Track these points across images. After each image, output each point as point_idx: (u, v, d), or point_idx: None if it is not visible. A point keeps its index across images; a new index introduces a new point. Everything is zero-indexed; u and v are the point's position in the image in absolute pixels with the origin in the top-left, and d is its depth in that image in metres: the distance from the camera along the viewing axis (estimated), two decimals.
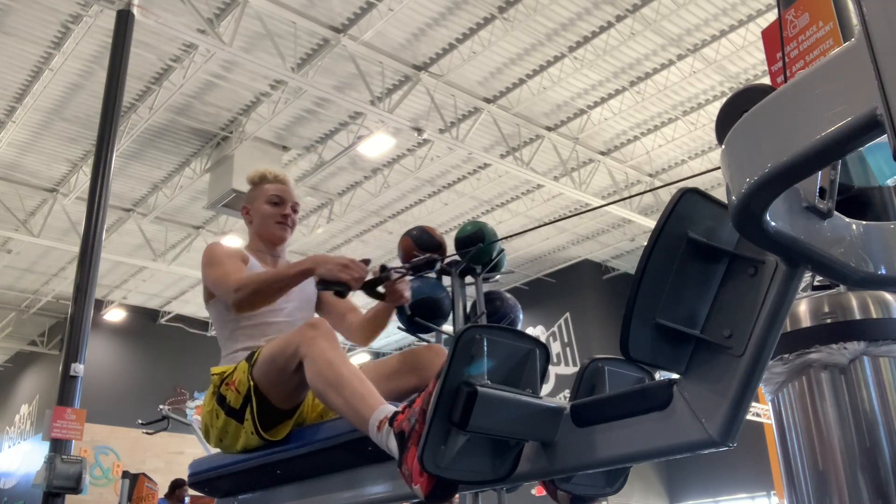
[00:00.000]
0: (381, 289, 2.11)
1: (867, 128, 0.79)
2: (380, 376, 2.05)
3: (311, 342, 1.81)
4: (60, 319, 14.27)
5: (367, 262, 2.04)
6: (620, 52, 8.67)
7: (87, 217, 6.27)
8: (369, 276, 2.05)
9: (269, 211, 2.44)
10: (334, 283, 1.97)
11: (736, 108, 1.13)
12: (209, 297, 2.32)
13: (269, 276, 2.13)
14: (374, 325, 2.33)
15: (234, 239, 12.00)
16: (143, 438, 12.00)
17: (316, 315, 2.39)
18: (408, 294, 2.19)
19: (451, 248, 3.71)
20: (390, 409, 1.60)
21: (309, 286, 2.25)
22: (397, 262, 3.69)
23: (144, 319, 14.82)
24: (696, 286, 1.24)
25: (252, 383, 1.96)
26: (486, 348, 1.40)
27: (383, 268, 2.10)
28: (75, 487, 5.52)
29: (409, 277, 2.19)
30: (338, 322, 2.38)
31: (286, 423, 1.99)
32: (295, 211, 2.48)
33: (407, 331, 3.70)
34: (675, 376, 1.30)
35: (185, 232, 12.04)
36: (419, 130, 9.00)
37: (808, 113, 0.85)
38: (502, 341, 1.44)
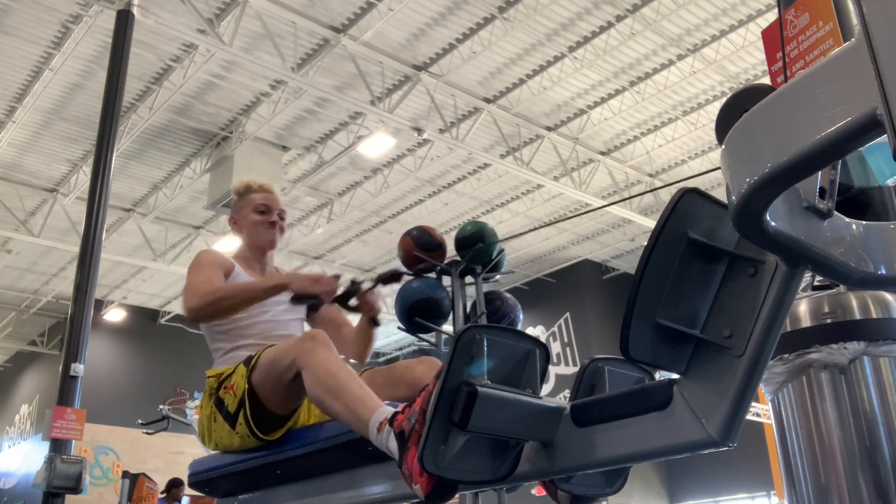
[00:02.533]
0: (353, 301, 2.27)
1: (867, 128, 0.79)
2: (371, 385, 2.07)
3: (309, 353, 1.83)
4: (60, 319, 14.27)
5: (337, 277, 2.17)
6: (620, 52, 8.67)
7: (87, 217, 6.27)
8: (340, 290, 2.19)
9: (257, 219, 2.48)
10: (307, 297, 2.10)
11: (736, 108, 1.13)
12: None
13: (237, 288, 2.19)
14: (363, 338, 2.43)
15: (235, 239, 11.99)
16: (143, 438, 12.00)
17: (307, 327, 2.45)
18: (379, 305, 2.36)
19: (451, 247, 3.71)
20: (389, 410, 1.60)
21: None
22: (398, 263, 3.69)
23: (144, 319, 14.82)
24: (696, 286, 1.24)
25: (248, 387, 1.98)
26: (486, 348, 1.40)
27: (353, 282, 2.26)
28: (75, 487, 5.51)
29: (379, 288, 2.32)
30: (334, 335, 2.43)
31: (283, 426, 2.00)
32: (282, 218, 2.53)
33: (407, 331, 3.70)
34: (675, 376, 1.30)
35: (185, 232, 12.04)
36: (419, 130, 9.00)
37: (808, 113, 0.85)
38: (502, 341, 1.44)
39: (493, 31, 8.24)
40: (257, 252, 2.49)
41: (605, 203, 8.46)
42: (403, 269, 3.30)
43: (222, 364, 2.22)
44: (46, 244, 11.19)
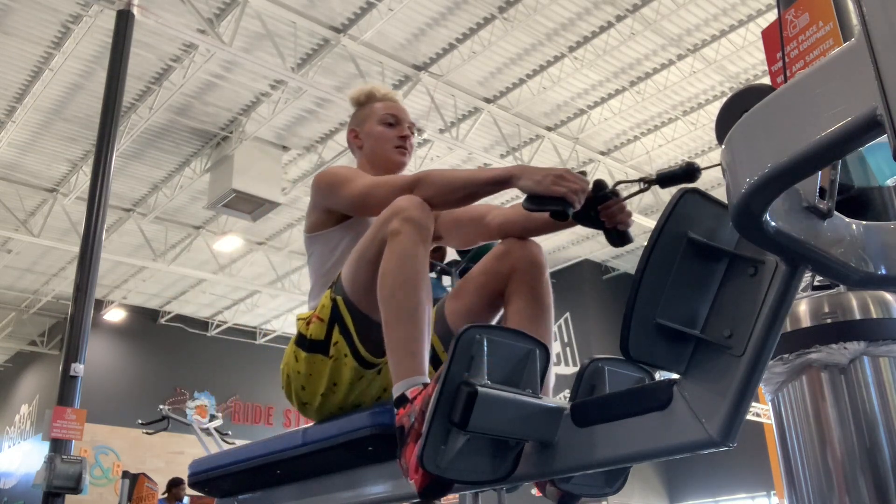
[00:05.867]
0: (599, 213, 1.66)
1: (867, 128, 0.79)
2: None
3: (394, 235, 1.57)
4: (60, 319, 14.26)
5: (583, 173, 1.59)
6: (620, 52, 8.67)
7: (87, 217, 6.27)
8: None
9: (384, 132, 2.07)
10: (548, 200, 1.54)
11: (736, 108, 1.13)
12: (315, 227, 1.98)
13: (456, 176, 1.72)
14: (534, 225, 1.92)
15: (235, 239, 12.02)
16: (143, 438, 12.00)
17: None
18: (630, 217, 1.70)
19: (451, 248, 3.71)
20: (423, 380, 1.53)
21: None
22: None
23: (144, 319, 14.82)
24: (696, 286, 1.24)
25: (337, 299, 1.72)
26: (486, 348, 1.40)
27: (599, 185, 1.63)
28: (75, 487, 5.52)
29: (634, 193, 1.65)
30: (474, 226, 1.99)
31: None
32: (412, 133, 2.12)
33: None
34: (675, 376, 1.30)
35: (185, 232, 12.04)
36: (419, 130, 9.00)
37: (808, 113, 0.85)
38: (502, 341, 1.44)
39: (493, 31, 8.24)
40: (381, 173, 2.01)
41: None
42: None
43: (315, 302, 1.89)
44: (46, 244, 11.18)
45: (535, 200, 1.56)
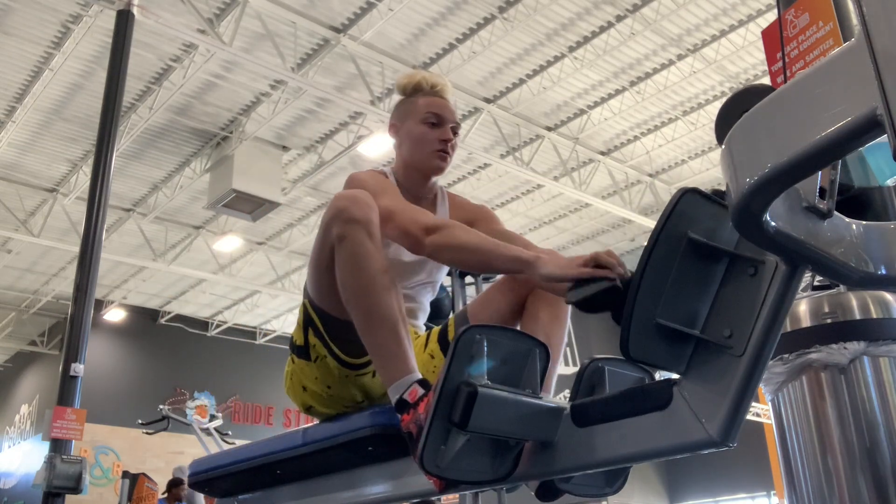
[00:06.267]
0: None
1: (867, 128, 0.79)
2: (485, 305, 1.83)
3: (342, 226, 1.51)
4: (60, 319, 14.27)
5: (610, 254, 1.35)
6: (620, 52, 8.67)
7: (87, 217, 6.27)
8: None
9: (425, 133, 1.91)
10: (589, 286, 1.28)
11: (736, 109, 1.13)
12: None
13: (479, 241, 1.59)
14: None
15: (235, 239, 12.02)
16: (143, 438, 12.00)
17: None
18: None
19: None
20: (418, 376, 1.53)
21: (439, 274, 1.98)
22: None
23: (144, 319, 14.82)
24: (696, 286, 1.24)
25: (305, 303, 1.72)
26: (486, 348, 1.40)
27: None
28: (75, 487, 5.51)
29: None
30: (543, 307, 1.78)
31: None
32: (455, 133, 1.95)
33: None
34: (675, 376, 1.30)
35: (185, 232, 12.04)
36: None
37: (808, 113, 0.85)
38: (502, 341, 1.44)
39: (493, 31, 8.24)
40: (417, 176, 1.93)
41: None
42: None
43: None
44: (46, 244, 11.19)
45: (578, 286, 1.31)
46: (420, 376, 1.53)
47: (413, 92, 1.98)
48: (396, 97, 2.06)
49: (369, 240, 1.55)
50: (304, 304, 1.77)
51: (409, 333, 1.59)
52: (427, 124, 1.92)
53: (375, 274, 1.55)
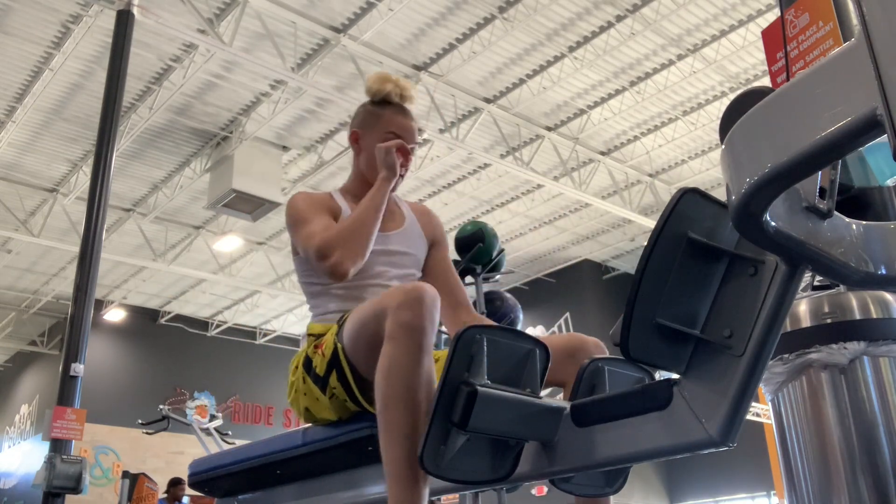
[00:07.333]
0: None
1: (867, 128, 0.79)
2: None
3: (398, 332, 1.47)
4: (60, 319, 14.27)
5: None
6: (620, 52, 8.67)
7: (87, 217, 6.27)
8: None
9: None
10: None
11: (740, 111, 1.13)
12: (296, 251, 1.97)
13: (350, 223, 1.75)
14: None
15: (235, 239, 12.01)
16: (143, 438, 12.00)
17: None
18: None
19: (451, 248, 3.71)
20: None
21: (418, 248, 2.02)
22: None
23: (144, 319, 14.82)
24: (696, 286, 1.24)
25: (339, 346, 1.68)
26: (486, 348, 1.40)
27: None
28: (75, 487, 5.51)
29: None
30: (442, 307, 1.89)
31: None
32: (412, 152, 1.99)
33: None
34: (675, 376, 1.30)
35: (185, 232, 12.04)
36: (419, 130, 8.99)
37: (808, 113, 0.85)
38: (502, 341, 1.44)
39: (493, 31, 8.24)
40: (369, 189, 1.93)
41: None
42: None
43: (321, 321, 1.88)
44: (46, 244, 11.19)
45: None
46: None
47: (380, 101, 2.00)
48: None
49: (418, 350, 1.48)
50: (335, 344, 1.69)
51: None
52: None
53: (410, 389, 1.48)
